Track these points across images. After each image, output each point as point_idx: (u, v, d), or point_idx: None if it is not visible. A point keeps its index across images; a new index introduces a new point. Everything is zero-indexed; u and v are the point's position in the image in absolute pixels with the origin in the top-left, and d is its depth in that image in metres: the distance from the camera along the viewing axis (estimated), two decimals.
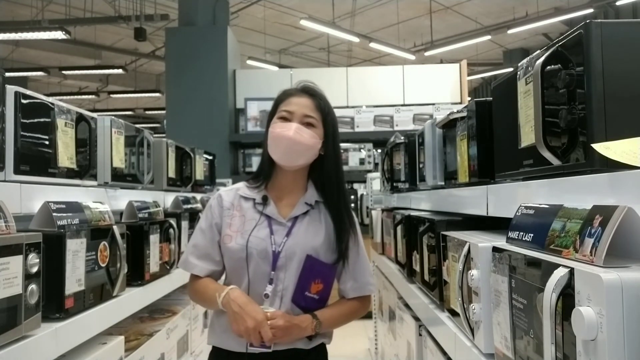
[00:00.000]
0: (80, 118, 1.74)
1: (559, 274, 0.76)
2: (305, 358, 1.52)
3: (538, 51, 1.05)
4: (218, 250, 1.56)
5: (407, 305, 2.20)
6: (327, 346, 1.61)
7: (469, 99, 5.48)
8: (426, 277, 1.80)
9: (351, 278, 1.59)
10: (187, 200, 2.87)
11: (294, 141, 1.50)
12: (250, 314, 1.39)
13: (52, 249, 1.35)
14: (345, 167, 1.68)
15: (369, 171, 5.86)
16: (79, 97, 15.30)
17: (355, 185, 6.17)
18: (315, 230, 1.54)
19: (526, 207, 1.06)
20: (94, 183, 1.85)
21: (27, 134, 1.42)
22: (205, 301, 1.56)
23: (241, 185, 1.63)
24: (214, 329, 1.56)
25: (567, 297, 0.75)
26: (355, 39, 10.21)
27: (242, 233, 1.51)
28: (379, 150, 6.18)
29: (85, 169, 1.76)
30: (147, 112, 18.21)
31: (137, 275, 1.98)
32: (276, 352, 1.45)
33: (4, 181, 1.32)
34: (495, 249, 1.07)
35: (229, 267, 1.55)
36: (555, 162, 0.98)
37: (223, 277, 1.62)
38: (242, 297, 1.44)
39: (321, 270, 1.51)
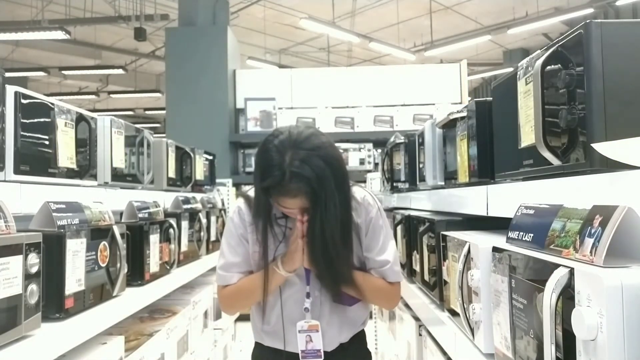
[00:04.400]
0: (80, 118, 1.74)
1: (559, 274, 0.76)
2: (348, 348, 1.64)
3: (538, 51, 1.05)
4: (249, 259, 1.58)
5: (407, 305, 2.20)
6: None
7: (469, 99, 5.48)
8: (426, 277, 1.80)
9: (372, 268, 1.57)
10: (187, 200, 2.87)
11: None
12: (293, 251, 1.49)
13: (52, 249, 1.35)
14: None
15: (369, 171, 5.85)
16: (79, 97, 15.30)
17: None
18: None
19: (526, 207, 1.06)
20: (94, 183, 1.85)
21: (27, 134, 1.42)
22: (254, 292, 1.54)
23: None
24: (256, 328, 1.63)
25: (567, 297, 0.75)
26: (355, 39, 10.21)
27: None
28: (379, 150, 6.17)
29: (85, 169, 1.76)
30: (147, 112, 18.21)
31: (137, 275, 1.98)
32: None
33: (4, 181, 1.32)
34: (495, 249, 1.07)
35: None
36: (555, 162, 0.98)
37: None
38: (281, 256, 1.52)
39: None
